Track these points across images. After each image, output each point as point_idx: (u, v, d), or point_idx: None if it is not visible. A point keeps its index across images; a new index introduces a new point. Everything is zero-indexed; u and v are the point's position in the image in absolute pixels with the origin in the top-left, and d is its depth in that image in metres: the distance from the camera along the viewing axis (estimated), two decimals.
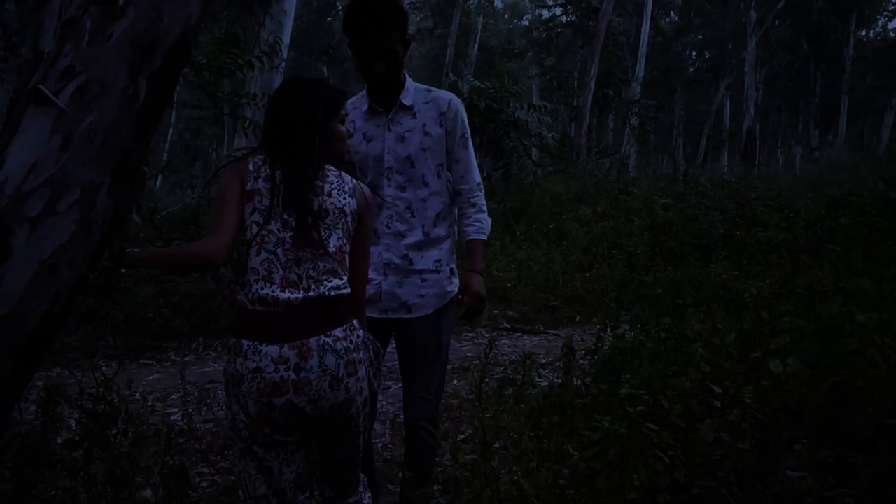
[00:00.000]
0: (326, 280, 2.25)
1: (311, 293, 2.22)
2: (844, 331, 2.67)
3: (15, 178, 1.97)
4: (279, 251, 2.23)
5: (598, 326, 4.17)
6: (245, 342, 2.18)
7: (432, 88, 3.01)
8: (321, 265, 2.25)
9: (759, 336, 2.97)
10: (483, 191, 3.05)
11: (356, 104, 2.96)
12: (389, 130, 2.90)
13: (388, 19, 2.72)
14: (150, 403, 4.76)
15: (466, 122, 3.00)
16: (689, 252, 8.04)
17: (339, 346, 2.21)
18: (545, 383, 4.78)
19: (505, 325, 7.57)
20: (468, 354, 6.59)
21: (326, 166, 2.31)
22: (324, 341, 2.19)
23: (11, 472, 2.76)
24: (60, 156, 2.00)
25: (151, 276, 7.07)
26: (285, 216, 2.23)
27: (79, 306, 6.58)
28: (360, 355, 2.27)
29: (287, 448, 2.27)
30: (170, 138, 20.13)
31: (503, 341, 6.88)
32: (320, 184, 2.28)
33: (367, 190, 2.40)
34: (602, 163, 16.33)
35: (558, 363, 4.79)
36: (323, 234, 2.26)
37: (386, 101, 2.91)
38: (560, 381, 3.81)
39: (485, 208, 3.02)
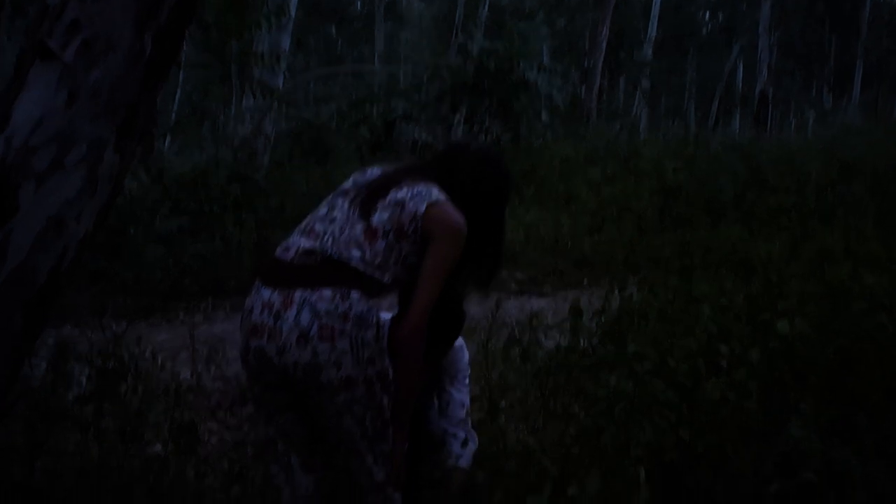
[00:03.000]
0: (346, 248, 2.24)
1: (325, 248, 2.23)
2: (853, 293, 2.66)
3: (21, 133, 1.97)
4: (326, 209, 2.36)
5: (606, 289, 4.17)
6: (257, 281, 2.26)
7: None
8: (349, 232, 2.26)
9: (767, 298, 2.96)
10: (469, 427, 2.85)
11: None
12: None
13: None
14: (159, 362, 4.80)
15: (465, 365, 2.89)
16: (699, 215, 8.00)
17: (319, 306, 2.15)
18: (552, 344, 4.80)
19: (512, 287, 7.57)
20: (475, 316, 6.60)
21: (433, 183, 2.36)
22: (307, 296, 2.17)
23: (23, 427, 2.80)
24: (67, 111, 2.00)
25: (160, 237, 7.09)
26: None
27: (88, 266, 6.61)
28: (347, 327, 2.16)
29: (270, 404, 2.31)
30: (178, 99, 20.04)
31: (510, 303, 6.88)
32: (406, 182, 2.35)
33: (455, 217, 2.31)
34: (612, 125, 16.20)
35: (565, 324, 4.80)
36: (373, 207, 2.29)
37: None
38: (567, 342, 3.82)
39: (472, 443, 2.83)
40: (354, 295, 2.19)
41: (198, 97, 13.44)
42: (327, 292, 2.17)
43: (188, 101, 16.37)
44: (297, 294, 2.17)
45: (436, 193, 2.32)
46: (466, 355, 2.88)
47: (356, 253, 2.23)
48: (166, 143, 14.96)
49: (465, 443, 2.73)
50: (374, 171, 2.46)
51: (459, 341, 2.88)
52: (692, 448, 2.29)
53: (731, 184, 8.85)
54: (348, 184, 2.44)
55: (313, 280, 2.20)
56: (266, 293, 2.21)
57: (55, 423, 2.81)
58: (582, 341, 3.71)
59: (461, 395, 2.80)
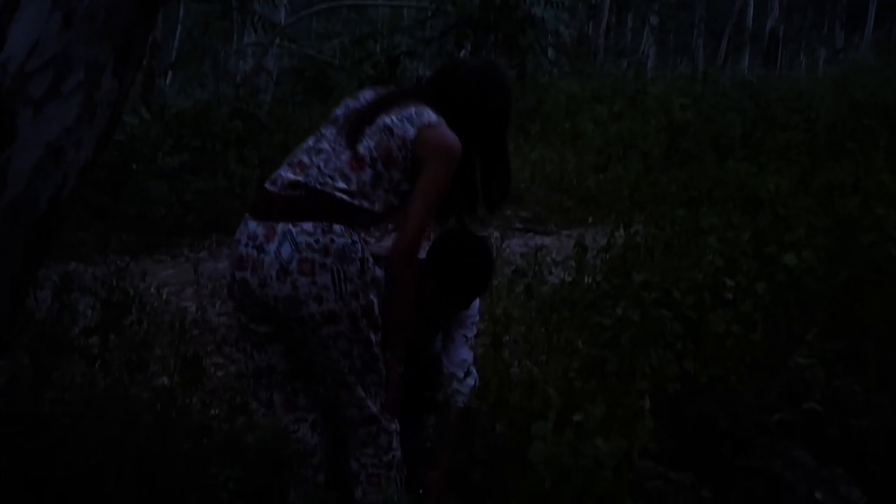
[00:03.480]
0: (333, 179, 2.18)
1: (309, 180, 2.19)
2: (862, 225, 2.63)
3: (17, 58, 1.93)
4: (314, 140, 2.30)
5: (611, 226, 4.14)
6: (247, 213, 2.25)
7: None
8: (334, 162, 2.21)
9: (774, 232, 2.94)
10: (472, 370, 2.74)
11: None
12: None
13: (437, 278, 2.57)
14: (164, 297, 4.81)
15: (475, 310, 2.75)
16: (706, 153, 7.93)
17: (300, 239, 2.12)
18: (556, 280, 4.80)
19: (517, 225, 7.55)
20: None
21: (425, 106, 2.27)
22: (288, 229, 2.14)
23: (30, 358, 2.81)
24: (62, 35, 1.95)
25: (162, 173, 7.05)
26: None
27: (90, 202, 6.60)
28: (328, 261, 2.12)
29: (255, 335, 2.29)
30: (178, 36, 19.77)
31: (514, 241, 6.88)
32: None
33: (448, 138, 2.23)
34: (619, 63, 15.95)
35: (569, 262, 4.79)
36: (359, 135, 2.23)
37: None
38: (571, 278, 3.81)
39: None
40: (337, 228, 2.14)
41: (198, 33, 13.23)
42: (308, 225, 2.13)
43: (188, 37, 16.12)
44: (280, 226, 2.15)
45: (427, 115, 2.24)
46: (477, 301, 2.84)
47: (341, 184, 2.18)
48: (167, 81, 14.79)
49: (462, 381, 2.67)
50: (366, 95, 2.37)
51: None
52: (696, 379, 2.29)
53: (739, 121, 8.75)
54: (339, 111, 2.36)
55: (296, 212, 2.16)
56: (252, 225, 2.19)
57: (61, 355, 2.82)
58: (586, 278, 3.70)
59: (469, 334, 2.75)
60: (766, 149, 7.33)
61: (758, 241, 2.88)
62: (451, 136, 2.23)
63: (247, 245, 2.19)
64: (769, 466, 1.99)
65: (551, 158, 8.78)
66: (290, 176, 2.22)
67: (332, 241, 2.13)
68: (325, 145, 2.27)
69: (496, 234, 7.16)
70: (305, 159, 2.25)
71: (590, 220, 7.67)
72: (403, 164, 2.22)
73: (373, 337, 2.24)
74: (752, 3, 31.33)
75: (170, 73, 14.47)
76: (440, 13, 12.98)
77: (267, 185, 2.27)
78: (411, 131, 2.20)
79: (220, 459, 2.37)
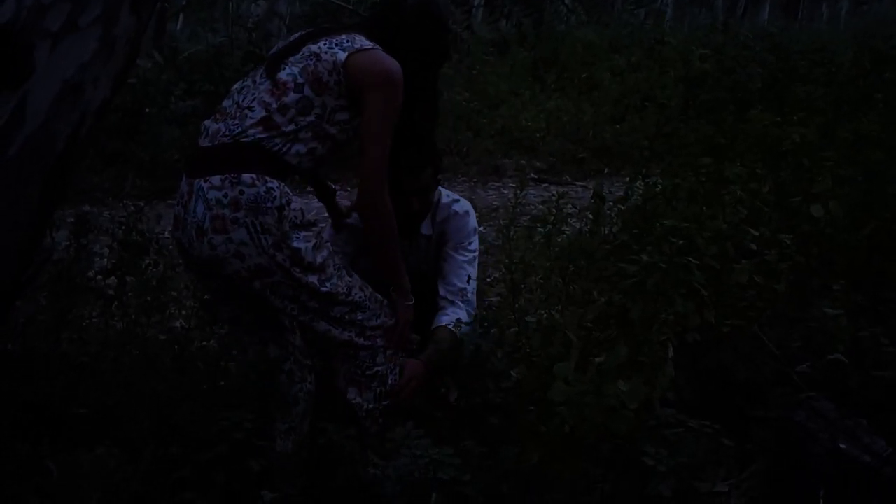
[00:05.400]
0: (249, 110, 2.08)
1: (222, 128, 2.10)
2: (888, 176, 2.58)
3: None
4: (239, 83, 2.22)
5: (628, 177, 4.09)
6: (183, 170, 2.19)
7: (453, 201, 2.78)
8: (252, 94, 2.11)
9: (798, 183, 2.89)
10: (468, 299, 2.71)
11: None
12: (416, 257, 2.75)
13: (425, 159, 2.58)
14: None
15: (471, 233, 2.76)
16: (726, 104, 7.80)
17: (210, 195, 2.03)
18: (572, 230, 4.76)
19: (532, 175, 7.50)
20: (494, 203, 6.56)
21: (360, 35, 2.19)
22: (200, 185, 2.06)
23: (47, 299, 2.82)
24: None
25: (175, 118, 7.00)
26: None
27: (104, 147, 6.57)
28: (240, 215, 2.01)
29: (211, 290, 2.28)
30: None
31: (529, 192, 6.82)
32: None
33: (385, 63, 2.12)
34: (638, 13, 15.65)
35: (586, 213, 4.75)
36: (280, 65, 2.13)
37: (407, 231, 2.68)
38: (588, 228, 3.77)
39: (465, 314, 2.66)
40: (246, 178, 2.03)
41: None
42: (216, 179, 2.04)
43: None
44: (196, 183, 2.07)
45: (360, 41, 2.15)
46: (472, 222, 2.78)
47: (257, 113, 2.06)
48: (178, 25, 14.61)
49: (459, 309, 2.64)
50: (297, 34, 2.30)
51: (465, 206, 2.80)
52: (717, 329, 2.27)
53: (759, 73, 8.58)
54: (273, 49, 2.28)
55: (208, 166, 2.08)
56: (182, 183, 2.14)
57: (78, 295, 2.83)
58: (604, 228, 3.66)
59: (463, 259, 2.72)
60: (788, 101, 7.20)
61: (782, 191, 2.83)
62: (388, 60, 2.14)
63: (178, 203, 2.14)
64: (791, 416, 1.98)
65: (567, 109, 8.66)
66: (212, 126, 2.15)
67: (242, 192, 2.02)
68: (247, 83, 2.19)
69: (510, 185, 7.13)
70: (227, 104, 2.18)
71: (605, 171, 7.61)
72: (337, 90, 2.11)
73: (314, 279, 2.15)
74: None
75: (181, 16, 14.28)
76: None
77: (198, 139, 2.20)
78: (341, 55, 2.11)
79: (237, 402, 2.37)
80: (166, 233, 4.56)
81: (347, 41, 2.15)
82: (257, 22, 9.77)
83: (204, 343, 2.91)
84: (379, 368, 2.32)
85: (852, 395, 2.09)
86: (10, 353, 2.57)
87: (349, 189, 4.22)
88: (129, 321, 2.84)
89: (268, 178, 2.05)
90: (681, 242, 1.96)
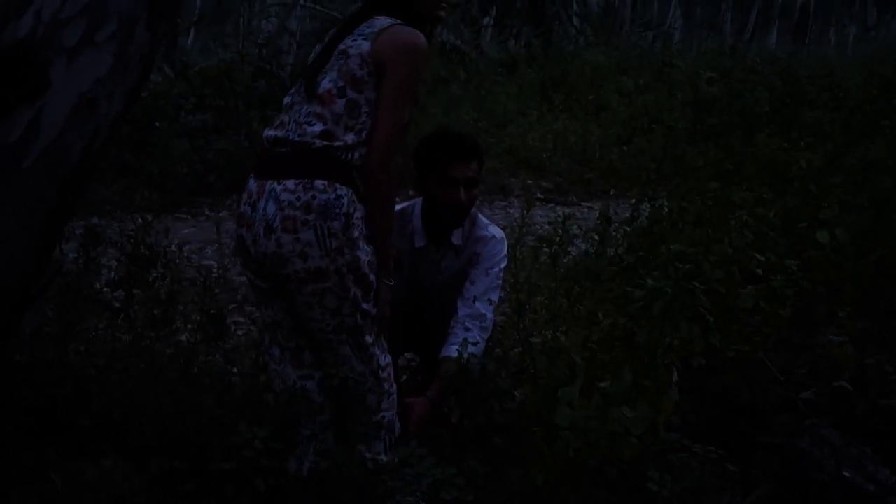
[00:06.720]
0: (308, 125, 2.17)
1: (289, 135, 2.19)
2: (895, 204, 2.59)
3: (51, 5, 1.92)
4: (288, 97, 2.30)
5: (635, 199, 4.10)
6: (251, 172, 2.29)
7: (489, 225, 2.85)
8: (306, 108, 2.20)
9: (805, 209, 2.90)
10: (486, 326, 2.72)
11: (403, 226, 2.78)
12: (437, 267, 2.82)
13: (475, 148, 2.69)
14: (185, 255, 4.82)
15: (502, 260, 2.81)
16: (733, 129, 7.83)
17: (283, 197, 2.14)
18: (578, 252, 4.77)
19: (538, 195, 7.52)
20: (501, 223, 6.57)
21: (378, 16, 2.21)
22: (273, 187, 2.16)
23: (55, 310, 2.83)
24: None
25: (185, 132, 7.05)
26: None
27: (114, 159, 6.61)
28: (310, 218, 2.12)
29: (259, 291, 2.33)
30: None
31: (536, 211, 6.83)
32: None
33: (406, 35, 2.16)
34: (646, 35, 15.73)
35: (592, 234, 4.76)
36: (319, 76, 2.21)
37: (438, 235, 2.78)
38: (594, 249, 3.78)
39: (479, 342, 2.65)
40: (319, 184, 2.13)
41: None
42: (290, 183, 2.14)
43: None
44: (268, 185, 2.18)
45: (379, 23, 2.19)
46: (504, 249, 2.81)
47: (317, 127, 2.16)
48: (189, 40, 14.74)
49: (471, 335, 2.64)
50: (330, 33, 2.36)
51: (500, 232, 2.84)
52: (722, 354, 2.27)
53: (767, 97, 8.61)
54: (311, 57, 2.36)
55: (281, 170, 2.18)
56: (251, 183, 2.24)
57: (86, 307, 2.84)
58: (609, 250, 3.67)
59: (491, 283, 2.74)
60: (796, 126, 7.22)
61: (788, 217, 2.84)
62: (405, 33, 2.17)
63: (245, 203, 2.23)
64: (796, 443, 1.98)
65: (574, 129, 8.70)
66: (274, 133, 2.24)
67: (314, 197, 2.13)
68: (296, 98, 2.27)
69: (517, 205, 7.15)
70: (284, 118, 2.26)
71: (612, 192, 7.62)
72: (372, 81, 2.16)
73: (360, 295, 2.21)
74: None
75: (192, 31, 14.40)
76: None
77: (265, 145, 2.29)
78: (366, 46, 2.16)
79: (242, 417, 2.38)
80: (173, 246, 4.60)
81: (368, 28, 2.20)
82: (268, 38, 9.86)
83: (209, 357, 2.92)
84: (385, 414, 2.34)
85: (857, 422, 2.09)
86: (17, 363, 2.58)
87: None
88: (135, 334, 2.85)
89: (338, 186, 2.14)
90: (687, 267, 1.96)
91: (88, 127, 1.98)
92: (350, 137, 2.16)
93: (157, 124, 7.00)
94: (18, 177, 1.89)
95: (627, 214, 3.97)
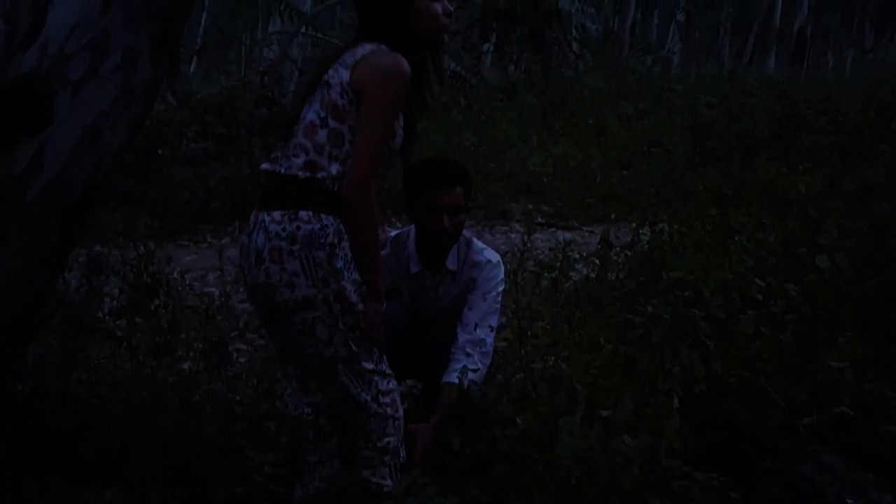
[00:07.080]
0: (295, 157, 2.21)
1: (278, 168, 2.24)
2: (894, 229, 2.60)
3: (56, 39, 1.95)
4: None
5: (635, 223, 4.11)
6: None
7: (485, 249, 2.88)
8: (293, 140, 2.23)
9: (805, 234, 2.91)
10: (487, 351, 2.74)
11: (398, 253, 2.84)
12: (435, 293, 2.85)
13: (459, 175, 2.72)
14: (187, 283, 4.83)
15: (499, 284, 2.84)
16: (732, 152, 7.86)
17: (270, 228, 2.18)
18: (579, 277, 4.77)
19: (539, 220, 7.53)
20: (502, 247, 6.59)
21: (364, 43, 2.21)
22: (263, 218, 2.21)
23: (58, 339, 2.84)
24: (102, 17, 1.97)
25: (187, 159, 7.09)
26: None
27: (116, 187, 6.64)
28: (295, 248, 2.14)
29: (264, 318, 2.37)
30: (203, 23, 19.83)
31: (537, 236, 6.84)
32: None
33: (384, 58, 2.14)
34: (645, 60, 15.85)
35: (593, 258, 4.77)
36: (304, 108, 2.25)
37: (433, 260, 2.81)
38: (595, 274, 3.78)
39: (480, 368, 2.67)
40: (303, 214, 2.15)
41: (224, 21, 13.29)
42: (277, 214, 2.18)
43: (214, 24, 16.18)
44: (260, 216, 2.22)
45: (361, 50, 2.18)
46: (501, 273, 2.83)
47: (300, 159, 2.18)
48: (191, 68, 14.85)
49: (471, 361, 2.65)
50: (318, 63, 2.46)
51: (497, 256, 2.86)
52: (723, 380, 2.27)
53: (766, 121, 8.65)
54: (299, 87, 2.41)
55: (269, 202, 2.22)
56: (252, 214, 2.28)
57: (89, 336, 2.85)
58: (610, 275, 3.68)
59: (489, 308, 2.76)
60: (794, 150, 7.25)
61: (788, 242, 2.85)
62: (386, 57, 2.15)
63: (245, 233, 2.29)
64: (797, 469, 1.97)
65: (574, 154, 8.74)
66: (267, 167, 2.29)
67: (299, 227, 2.16)
68: (287, 132, 2.30)
69: (518, 229, 7.17)
70: (278, 151, 2.30)
71: (612, 216, 7.64)
72: (353, 111, 2.16)
73: (349, 323, 2.21)
74: (780, 1, 30.98)
75: (194, 59, 14.53)
76: (467, 5, 12.93)
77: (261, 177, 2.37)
78: (345, 74, 2.16)
79: (245, 445, 2.38)
80: (175, 273, 4.62)
81: (350, 56, 2.20)
82: (270, 65, 9.93)
83: (212, 385, 2.92)
84: (390, 439, 2.32)
85: (858, 448, 2.09)
86: (20, 392, 2.58)
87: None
88: (137, 362, 2.85)
89: (323, 216, 2.16)
90: (686, 294, 1.97)
91: (92, 158, 2.00)
92: (335, 168, 2.17)
93: (160, 152, 7.04)
94: (22, 208, 1.91)
95: (628, 239, 3.98)
